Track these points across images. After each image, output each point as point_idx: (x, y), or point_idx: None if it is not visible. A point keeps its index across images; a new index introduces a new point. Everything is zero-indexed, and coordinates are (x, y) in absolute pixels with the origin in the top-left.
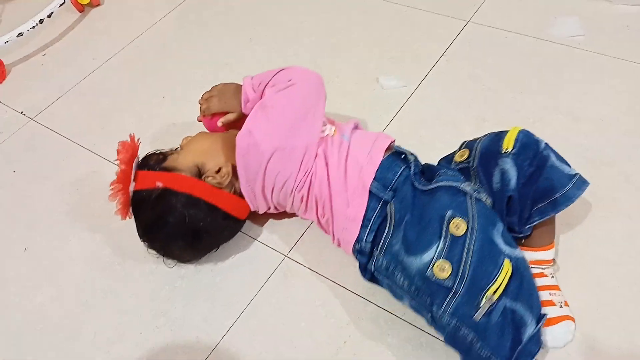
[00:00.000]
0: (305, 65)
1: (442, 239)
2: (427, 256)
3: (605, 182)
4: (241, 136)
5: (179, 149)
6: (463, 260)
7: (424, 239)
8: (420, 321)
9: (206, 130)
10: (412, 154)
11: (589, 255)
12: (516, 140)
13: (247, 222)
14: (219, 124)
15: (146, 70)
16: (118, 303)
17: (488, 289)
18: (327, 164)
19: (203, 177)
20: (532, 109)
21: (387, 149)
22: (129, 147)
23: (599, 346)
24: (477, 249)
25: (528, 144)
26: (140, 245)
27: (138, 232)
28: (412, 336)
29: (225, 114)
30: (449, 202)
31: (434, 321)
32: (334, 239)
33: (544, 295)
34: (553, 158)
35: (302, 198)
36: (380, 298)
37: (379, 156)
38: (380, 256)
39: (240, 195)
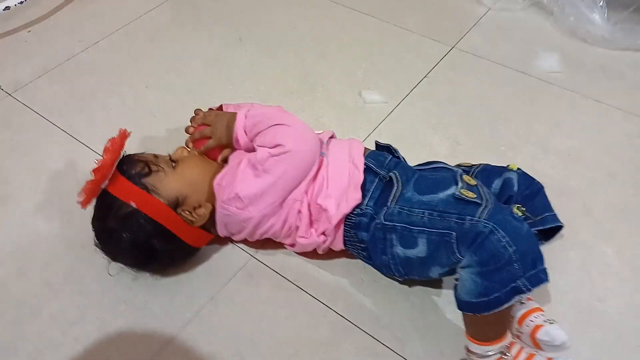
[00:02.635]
0: (292, 69)
1: (459, 183)
2: (450, 190)
3: (567, 212)
4: (228, 200)
5: (170, 160)
6: (484, 196)
7: (441, 185)
8: (380, 333)
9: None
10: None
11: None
12: (518, 169)
13: None
14: (219, 160)
15: (133, 58)
16: (80, 285)
17: (514, 206)
18: (309, 206)
19: (179, 209)
20: (505, 137)
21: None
22: (117, 147)
23: None
24: (492, 199)
25: (526, 175)
26: None
27: (92, 224)
28: (368, 345)
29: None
30: (455, 170)
31: (461, 243)
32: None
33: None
34: (544, 191)
35: (291, 242)
36: (341, 306)
37: (360, 159)
38: (392, 205)
39: (205, 228)
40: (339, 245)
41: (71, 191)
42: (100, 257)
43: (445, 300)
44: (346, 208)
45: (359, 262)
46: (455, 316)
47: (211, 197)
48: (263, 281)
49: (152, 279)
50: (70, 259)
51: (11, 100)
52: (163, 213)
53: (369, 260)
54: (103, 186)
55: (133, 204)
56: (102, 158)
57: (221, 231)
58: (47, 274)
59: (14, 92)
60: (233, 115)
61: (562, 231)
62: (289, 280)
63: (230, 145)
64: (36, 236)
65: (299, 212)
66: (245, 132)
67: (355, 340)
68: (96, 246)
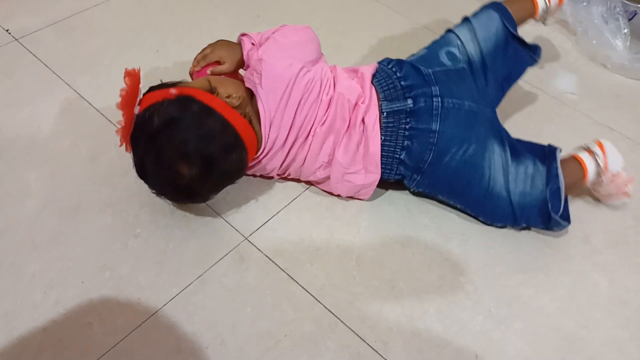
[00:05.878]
0: None
1: None
2: None
3: (565, 237)
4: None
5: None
6: None
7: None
8: (365, 332)
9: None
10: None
11: (531, 304)
12: None
13: (215, 197)
14: (208, 72)
15: (146, 21)
16: (66, 248)
17: None
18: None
19: (215, 93)
20: None
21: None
22: (135, 75)
23: None
24: None
25: None
26: (99, 195)
27: (133, 150)
28: (352, 344)
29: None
30: None
31: None
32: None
33: None
34: None
35: (329, 100)
36: (330, 301)
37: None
38: None
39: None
40: (375, 111)
41: (68, 150)
42: (90, 222)
43: (435, 309)
44: (373, 68)
45: (352, 258)
46: (443, 327)
47: (241, 87)
48: (253, 266)
49: (141, 250)
50: (57, 220)
51: (17, 45)
52: (204, 94)
53: (410, 92)
54: (136, 111)
55: (174, 91)
56: (124, 84)
57: (267, 105)
58: (33, 233)
59: (20, 38)
60: (231, 42)
61: (558, 255)
62: (280, 267)
63: (229, 62)
64: (26, 193)
65: (332, 70)
66: (252, 43)
67: (339, 337)
68: (141, 175)
